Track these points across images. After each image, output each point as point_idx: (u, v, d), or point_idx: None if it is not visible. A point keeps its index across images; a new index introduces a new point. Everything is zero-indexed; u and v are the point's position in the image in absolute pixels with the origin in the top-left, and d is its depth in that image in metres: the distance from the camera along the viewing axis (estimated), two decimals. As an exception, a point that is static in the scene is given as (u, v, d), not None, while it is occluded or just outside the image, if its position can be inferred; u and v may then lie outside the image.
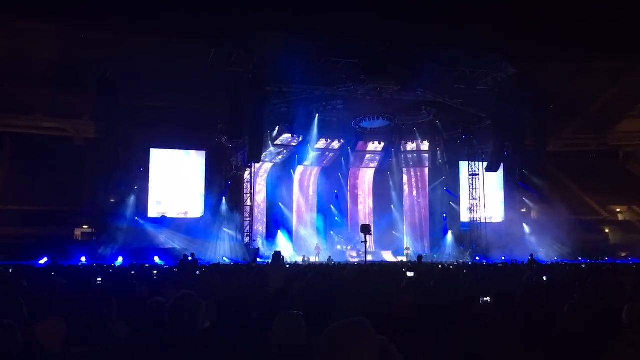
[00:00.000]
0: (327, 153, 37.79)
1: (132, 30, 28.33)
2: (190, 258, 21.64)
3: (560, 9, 27.96)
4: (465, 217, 36.89)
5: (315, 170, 38.05)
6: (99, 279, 9.52)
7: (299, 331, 3.83)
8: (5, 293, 6.64)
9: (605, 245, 37.95)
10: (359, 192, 39.76)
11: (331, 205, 38.09)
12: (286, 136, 34.44)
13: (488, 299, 6.13)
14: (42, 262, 24.15)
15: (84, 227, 32.86)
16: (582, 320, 5.01)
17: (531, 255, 26.14)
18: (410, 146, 38.28)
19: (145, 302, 5.72)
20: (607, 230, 40.67)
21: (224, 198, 31.77)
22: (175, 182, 33.63)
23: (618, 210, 42.78)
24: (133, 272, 13.89)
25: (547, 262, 26.49)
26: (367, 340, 2.46)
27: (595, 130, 42.92)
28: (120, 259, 26.96)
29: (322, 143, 36.56)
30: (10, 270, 14.85)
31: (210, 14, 25.64)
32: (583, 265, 20.63)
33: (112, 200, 30.57)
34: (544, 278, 11.20)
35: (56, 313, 4.88)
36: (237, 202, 31.37)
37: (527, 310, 5.80)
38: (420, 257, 20.00)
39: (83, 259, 26.50)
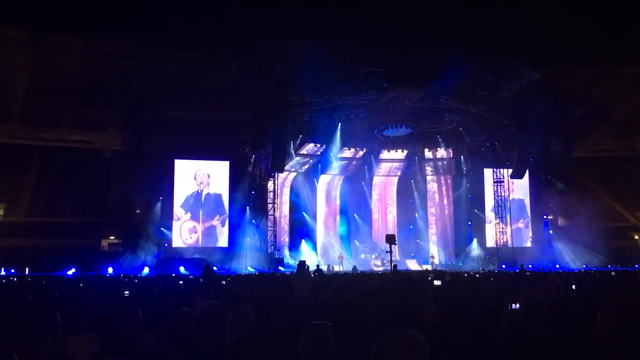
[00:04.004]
0: (350, 162, 37.77)
1: (156, 44, 28.67)
2: (214, 267, 21.78)
3: (585, 13, 27.59)
4: (490, 224, 36.53)
5: (339, 179, 38.05)
6: (127, 292, 9.56)
7: (326, 341, 3.81)
8: (40, 304, 6.73)
9: (635, 252, 37.22)
10: (383, 201, 39.63)
11: (355, 214, 38.01)
12: (309, 146, 34.60)
13: (517, 305, 6.04)
14: (70, 272, 24.50)
15: (111, 238, 33.27)
16: (614, 329, 4.91)
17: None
18: (434, 154, 38.09)
19: (172, 312, 5.76)
20: (636, 237, 39.90)
21: (247, 208, 31.89)
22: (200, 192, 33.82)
23: (647, 216, 41.95)
24: (159, 283, 13.97)
25: (575, 269, 26.08)
26: (421, 354, 2.48)
27: (622, 135, 42.24)
28: (146, 269, 27.21)
29: (345, 152, 36.56)
30: (43, 282, 15.07)
31: (232, 26, 25.82)
32: (612, 273, 20.24)
33: (138, 211, 30.91)
34: (573, 287, 11.00)
35: (86, 324, 4.93)
36: (261, 212, 31.46)
37: (557, 319, 5.71)
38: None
39: (110, 269, 26.79)
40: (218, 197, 33.74)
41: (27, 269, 26.30)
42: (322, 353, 3.76)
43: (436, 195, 38.97)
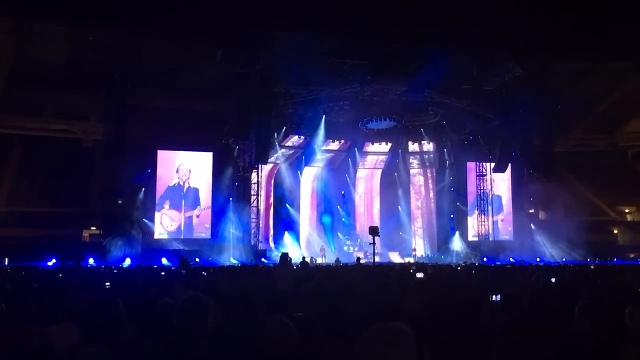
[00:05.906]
0: (334, 154, 37.79)
1: (139, 32, 28.37)
2: (197, 259, 21.71)
3: (568, 9, 27.80)
4: (472, 218, 36.79)
5: (322, 171, 38.05)
6: (107, 283, 9.51)
7: (289, 335, 3.81)
8: (17, 294, 6.67)
9: (614, 246, 37.73)
10: (366, 193, 39.73)
11: (338, 207, 38.08)
12: (293, 138, 34.63)
13: (498, 297, 6.11)
14: (50, 263, 24.29)
15: (92, 228, 32.93)
16: (592, 321, 4.98)
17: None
18: (417, 147, 38.25)
19: (154, 303, 5.74)
20: (615, 231, 40.42)
21: (231, 200, 31.78)
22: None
23: (627, 210, 42.50)
24: (141, 274, 13.91)
25: (556, 263, 26.39)
26: (405, 346, 2.46)
27: (603, 130, 42.73)
28: (128, 260, 27.05)
29: (329, 144, 36.58)
30: (23, 273, 14.93)
31: (217, 16, 25.64)
32: (592, 267, 20.52)
33: (119, 202, 30.62)
34: (552, 279, 11.14)
35: (66, 315, 4.90)
36: (244, 203, 31.36)
37: (536, 311, 5.78)
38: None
39: (91, 260, 26.59)
40: (198, 191, 33.48)
41: (6, 259, 26.00)
42: (286, 347, 3.77)
43: (422, 189, 39.19)
